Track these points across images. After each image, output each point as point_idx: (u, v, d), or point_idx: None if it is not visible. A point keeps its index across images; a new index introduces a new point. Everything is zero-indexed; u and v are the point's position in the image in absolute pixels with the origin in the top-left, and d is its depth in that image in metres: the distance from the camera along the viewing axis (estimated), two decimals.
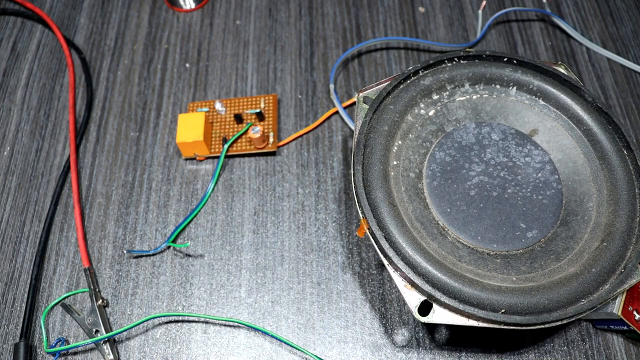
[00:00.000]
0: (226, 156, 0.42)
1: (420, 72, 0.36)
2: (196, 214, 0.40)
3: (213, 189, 0.41)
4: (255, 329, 0.36)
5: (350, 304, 0.37)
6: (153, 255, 0.38)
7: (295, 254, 0.39)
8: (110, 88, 0.46)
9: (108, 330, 0.35)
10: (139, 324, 0.35)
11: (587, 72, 0.47)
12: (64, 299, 0.37)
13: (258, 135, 0.41)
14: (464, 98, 0.37)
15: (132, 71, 0.46)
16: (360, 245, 0.39)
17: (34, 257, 0.38)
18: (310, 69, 0.47)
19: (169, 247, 0.39)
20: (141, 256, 0.38)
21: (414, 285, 0.29)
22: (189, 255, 0.39)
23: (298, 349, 0.35)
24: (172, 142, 0.43)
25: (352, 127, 0.43)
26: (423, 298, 0.29)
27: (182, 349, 0.35)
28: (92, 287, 0.36)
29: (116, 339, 0.36)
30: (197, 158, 0.42)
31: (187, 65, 0.47)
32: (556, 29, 0.49)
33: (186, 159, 0.43)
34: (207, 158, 0.42)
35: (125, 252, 0.38)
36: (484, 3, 0.49)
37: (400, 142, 0.34)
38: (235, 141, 0.42)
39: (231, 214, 0.40)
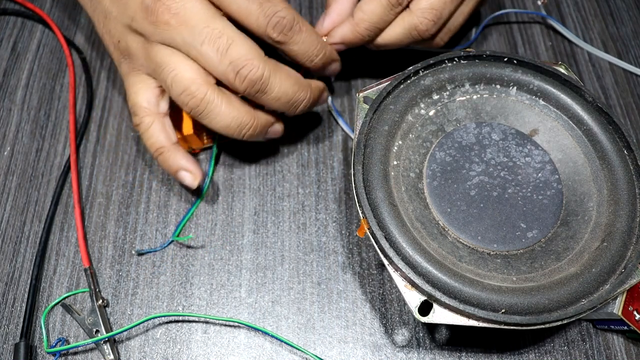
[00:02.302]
0: (223, 145, 0.43)
1: (420, 72, 0.36)
2: (197, 207, 0.40)
3: (211, 177, 0.41)
4: (256, 329, 0.36)
5: (350, 304, 0.37)
6: (161, 250, 0.39)
7: (296, 254, 0.39)
8: (110, 88, 0.46)
9: (108, 330, 0.35)
10: (139, 324, 0.36)
11: (588, 72, 0.47)
12: (64, 299, 0.37)
13: None
14: (464, 98, 0.37)
15: None
16: (360, 245, 0.39)
17: (34, 257, 0.38)
18: None
19: (172, 241, 0.39)
20: (147, 253, 0.39)
21: (414, 285, 0.30)
22: (190, 255, 0.39)
23: (298, 349, 0.35)
24: None
25: (350, 134, 0.43)
26: (423, 298, 0.29)
27: (182, 349, 0.35)
28: (92, 287, 0.36)
29: (116, 339, 0.36)
30: (193, 151, 0.42)
31: None
32: (556, 28, 0.49)
33: None
34: (203, 150, 0.42)
35: (134, 252, 0.38)
36: None
37: (400, 142, 0.34)
38: None
39: (231, 214, 0.40)
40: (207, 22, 0.34)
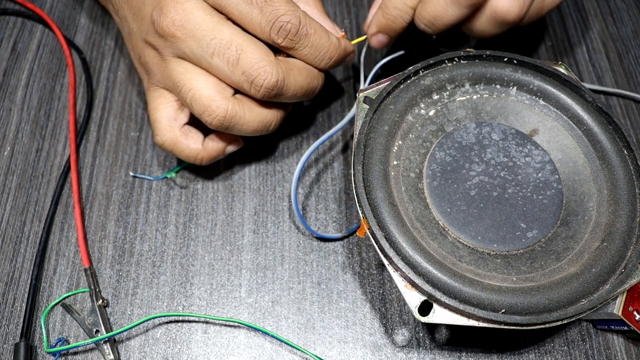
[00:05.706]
0: None
1: (420, 72, 0.36)
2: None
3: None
4: (256, 329, 0.36)
5: (350, 304, 0.37)
6: (155, 181, 0.41)
7: (296, 254, 0.39)
8: (110, 88, 0.46)
9: (108, 330, 0.35)
10: (139, 324, 0.36)
11: (588, 72, 0.47)
12: (64, 299, 0.37)
13: None
14: (464, 98, 0.37)
15: (133, 71, 0.46)
16: (360, 245, 0.39)
17: (34, 257, 0.38)
18: None
19: (165, 177, 0.41)
20: (141, 178, 0.41)
21: (414, 285, 0.30)
22: (190, 255, 0.39)
23: (298, 349, 0.35)
24: None
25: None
26: (423, 298, 0.29)
27: (182, 349, 0.35)
28: (92, 287, 0.36)
29: (116, 339, 0.36)
30: None
31: None
32: (556, 28, 0.49)
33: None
34: None
35: (131, 174, 0.41)
36: None
37: (400, 142, 0.34)
38: None
39: (231, 214, 0.40)
40: (213, 32, 0.33)
